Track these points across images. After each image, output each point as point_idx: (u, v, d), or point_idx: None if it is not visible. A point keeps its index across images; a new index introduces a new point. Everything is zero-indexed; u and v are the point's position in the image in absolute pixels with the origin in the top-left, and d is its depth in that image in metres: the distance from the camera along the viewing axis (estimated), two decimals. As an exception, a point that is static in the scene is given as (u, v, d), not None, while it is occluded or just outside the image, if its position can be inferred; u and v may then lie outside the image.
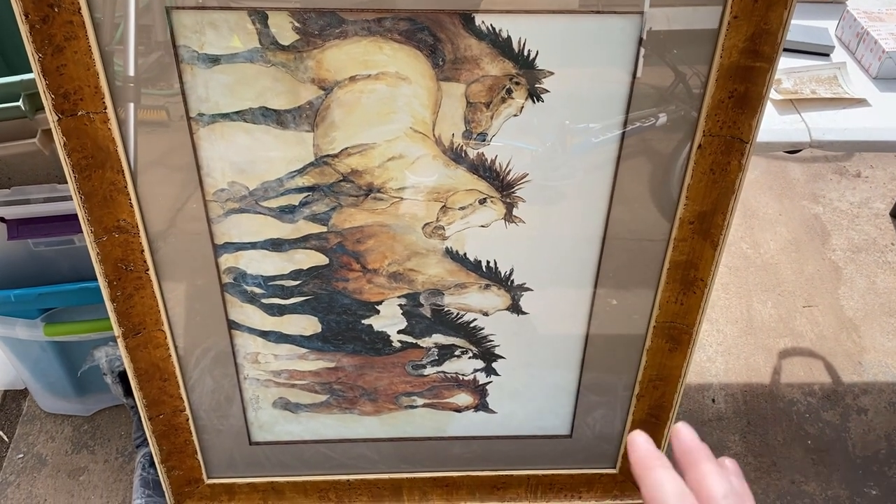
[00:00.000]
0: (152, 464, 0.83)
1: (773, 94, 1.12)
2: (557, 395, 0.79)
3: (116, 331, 0.67)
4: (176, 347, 0.72)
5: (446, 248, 0.68)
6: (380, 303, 0.71)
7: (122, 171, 0.60)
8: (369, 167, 0.63)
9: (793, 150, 1.12)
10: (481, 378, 0.77)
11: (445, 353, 0.75)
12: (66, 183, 0.59)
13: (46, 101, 0.55)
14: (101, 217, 0.62)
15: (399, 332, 0.73)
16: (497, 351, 0.75)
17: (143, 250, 0.65)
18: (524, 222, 0.66)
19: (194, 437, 0.78)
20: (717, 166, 0.62)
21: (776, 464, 1.43)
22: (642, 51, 0.58)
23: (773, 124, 1.07)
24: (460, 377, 0.77)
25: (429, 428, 0.81)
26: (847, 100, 1.13)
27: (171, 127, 0.60)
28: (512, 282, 0.70)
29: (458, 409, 0.80)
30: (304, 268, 0.69)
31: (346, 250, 0.68)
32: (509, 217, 0.66)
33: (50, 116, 0.56)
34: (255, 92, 0.59)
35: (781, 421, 1.50)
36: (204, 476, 0.81)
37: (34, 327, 1.16)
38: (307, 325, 0.73)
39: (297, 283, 0.70)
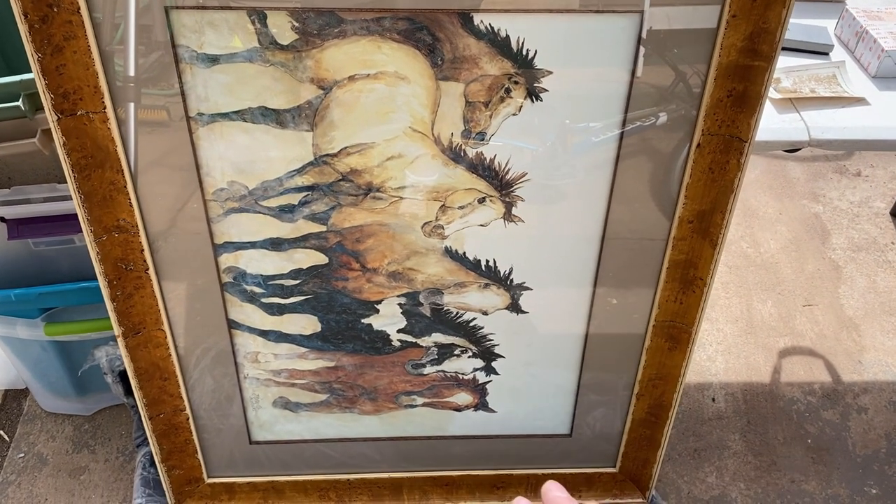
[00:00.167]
0: (153, 463, 0.83)
1: (772, 93, 1.12)
2: (557, 395, 0.79)
3: (116, 330, 0.67)
4: (176, 347, 0.72)
5: (445, 248, 0.68)
6: (379, 302, 0.71)
7: (122, 170, 0.60)
8: (368, 166, 0.63)
9: (792, 148, 1.12)
10: (481, 377, 0.77)
11: (445, 352, 0.75)
12: (66, 182, 0.59)
13: (46, 100, 0.55)
14: (101, 216, 0.62)
15: (398, 331, 0.74)
16: (497, 350, 0.75)
17: (142, 250, 0.65)
18: (523, 221, 0.67)
19: (194, 437, 0.78)
20: (715, 165, 0.62)
21: (776, 463, 1.43)
22: (642, 50, 0.58)
23: (772, 123, 1.07)
24: (460, 376, 0.77)
25: (429, 427, 0.81)
26: (846, 98, 1.13)
27: (170, 126, 0.61)
28: (511, 281, 0.70)
29: (458, 409, 0.80)
30: (304, 267, 0.69)
31: (346, 249, 0.68)
32: (508, 216, 0.66)
33: (49, 116, 0.56)
34: (255, 91, 0.59)
35: (781, 420, 1.50)
36: (204, 475, 0.81)
37: (35, 327, 1.17)
38: (307, 324, 0.73)
39: (297, 282, 0.70)
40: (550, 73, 0.59)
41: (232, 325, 0.72)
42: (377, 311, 0.72)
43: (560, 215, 0.67)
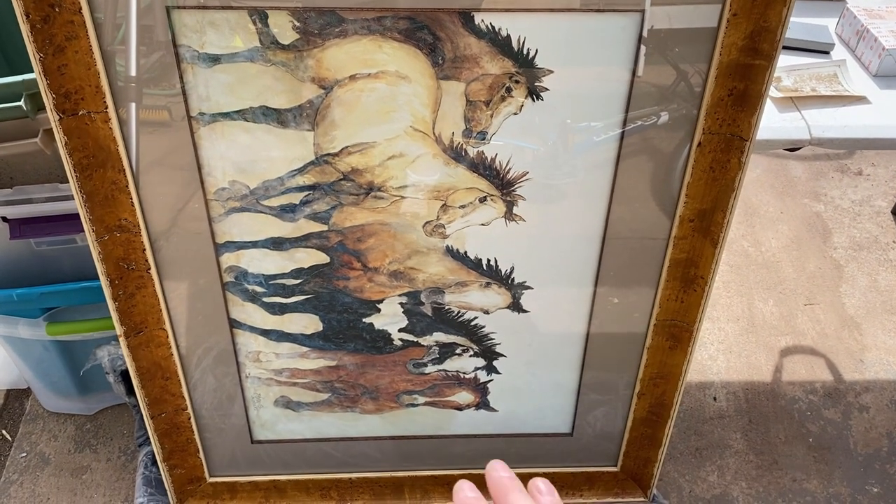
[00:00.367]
0: (154, 462, 0.83)
1: (773, 92, 1.12)
2: (558, 394, 0.79)
3: (118, 330, 0.67)
4: (178, 346, 0.72)
5: (447, 247, 0.68)
6: (381, 301, 0.72)
7: (124, 170, 0.61)
8: (369, 166, 0.63)
9: (793, 147, 1.12)
10: (482, 376, 0.77)
11: (446, 351, 0.75)
12: (68, 182, 0.59)
13: (47, 100, 0.55)
14: (103, 216, 0.62)
15: (400, 330, 0.74)
16: (498, 349, 0.75)
17: (144, 249, 0.65)
18: (524, 220, 0.67)
19: (196, 436, 0.78)
20: (716, 164, 0.62)
21: (777, 462, 1.43)
22: (643, 49, 0.58)
23: (773, 122, 1.07)
24: (461, 375, 0.77)
25: (430, 426, 0.81)
26: (847, 97, 1.13)
27: (171, 126, 0.61)
28: (512, 280, 0.71)
29: (459, 408, 0.80)
30: (305, 266, 0.69)
31: (347, 249, 0.68)
32: (509, 215, 0.66)
33: (51, 116, 0.56)
34: (256, 91, 0.59)
35: (783, 419, 1.50)
36: (206, 474, 0.81)
37: (37, 326, 1.17)
38: (308, 323, 0.73)
39: (298, 281, 0.70)
40: (551, 72, 0.59)
41: (233, 324, 0.72)
42: (378, 310, 0.72)
43: (561, 214, 0.67)
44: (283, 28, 0.56)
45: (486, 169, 0.64)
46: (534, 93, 0.60)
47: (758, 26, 0.55)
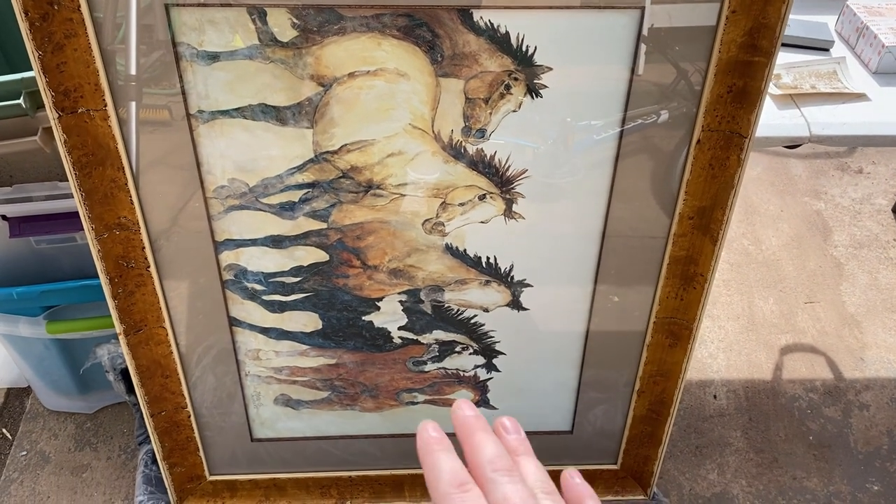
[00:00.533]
0: (154, 461, 0.83)
1: (772, 89, 1.12)
2: (558, 391, 0.79)
3: (118, 328, 0.67)
4: (177, 344, 0.72)
5: (446, 245, 0.68)
6: (380, 299, 0.72)
7: (123, 168, 0.61)
8: (369, 164, 0.63)
9: (792, 144, 1.12)
10: (482, 374, 0.77)
11: (446, 349, 0.75)
12: (67, 180, 0.59)
13: (47, 98, 0.55)
14: (102, 214, 0.62)
15: (399, 328, 0.74)
16: (498, 347, 0.75)
17: (143, 247, 0.65)
18: (524, 218, 0.67)
19: (196, 434, 0.78)
20: (716, 161, 0.62)
21: (778, 460, 1.43)
22: (643, 47, 0.58)
23: (772, 119, 1.07)
24: (461, 373, 0.77)
25: (430, 424, 0.81)
26: (846, 94, 1.13)
27: (171, 124, 0.61)
28: (512, 278, 0.70)
29: (459, 405, 0.80)
30: (305, 264, 0.69)
31: (347, 247, 0.68)
32: (509, 213, 0.66)
33: (50, 114, 0.56)
34: (255, 89, 0.59)
35: (783, 417, 1.50)
36: (206, 473, 0.81)
37: (37, 325, 1.17)
38: (308, 321, 0.73)
39: (298, 279, 0.70)
40: (550, 69, 0.59)
41: (233, 322, 0.72)
42: (378, 308, 0.72)
43: (560, 212, 0.67)
44: (282, 26, 0.56)
45: (485, 167, 0.63)
46: (533, 90, 0.60)
47: (757, 23, 0.55)
